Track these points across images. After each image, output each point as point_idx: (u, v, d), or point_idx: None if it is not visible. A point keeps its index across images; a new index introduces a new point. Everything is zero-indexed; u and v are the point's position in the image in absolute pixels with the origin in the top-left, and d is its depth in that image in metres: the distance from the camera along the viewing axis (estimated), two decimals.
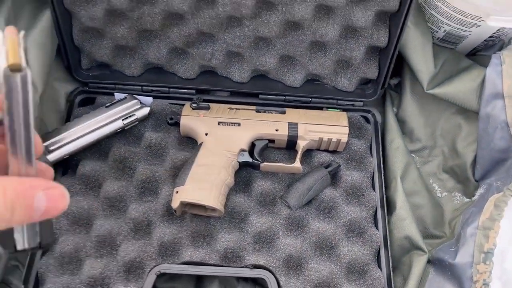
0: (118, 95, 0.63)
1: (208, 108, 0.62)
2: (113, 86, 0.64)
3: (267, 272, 0.55)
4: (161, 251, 0.56)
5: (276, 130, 0.61)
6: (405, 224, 0.58)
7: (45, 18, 0.56)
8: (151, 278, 0.54)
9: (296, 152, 0.61)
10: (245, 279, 0.59)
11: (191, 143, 0.63)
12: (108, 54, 0.62)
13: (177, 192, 0.55)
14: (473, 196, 0.62)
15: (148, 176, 0.60)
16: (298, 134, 0.61)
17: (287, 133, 0.61)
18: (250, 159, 0.59)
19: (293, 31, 0.60)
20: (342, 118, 0.62)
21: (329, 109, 0.64)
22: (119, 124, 0.60)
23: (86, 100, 0.64)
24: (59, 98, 0.62)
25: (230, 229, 0.58)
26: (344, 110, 0.64)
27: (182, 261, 0.55)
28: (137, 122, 0.62)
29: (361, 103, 0.65)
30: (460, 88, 0.61)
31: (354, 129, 0.64)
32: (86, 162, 0.60)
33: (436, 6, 0.60)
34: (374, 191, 0.61)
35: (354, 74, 0.63)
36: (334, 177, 0.61)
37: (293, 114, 0.62)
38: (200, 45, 0.62)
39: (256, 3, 0.57)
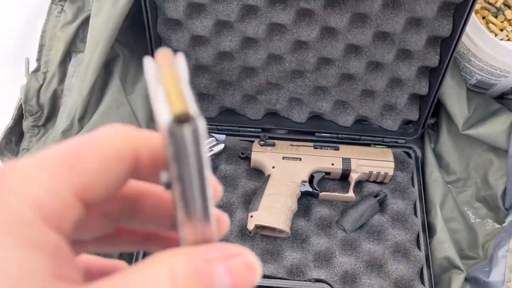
0: None
1: (273, 145, 0.74)
2: None
3: (327, 285, 0.66)
4: None
5: (332, 164, 0.72)
6: (445, 246, 0.67)
7: None
8: None
9: (349, 183, 0.72)
10: None
11: (258, 174, 0.74)
12: None
13: (251, 216, 0.67)
14: (504, 223, 0.71)
15: (224, 202, 0.71)
16: (351, 168, 0.71)
17: (341, 167, 0.71)
18: (310, 189, 0.70)
19: (347, 81, 0.71)
20: (388, 154, 0.73)
21: (376, 146, 0.75)
22: None
23: None
24: None
25: (294, 248, 0.69)
26: (389, 146, 0.75)
27: None
28: (214, 156, 0.74)
29: (404, 141, 0.76)
30: (491, 130, 0.71)
31: (398, 163, 0.74)
32: None
33: (469, 59, 0.71)
34: (416, 217, 0.71)
35: (398, 116, 0.74)
36: (382, 205, 0.71)
37: (346, 150, 0.73)
38: (268, 92, 0.74)
39: (318, 59, 0.69)
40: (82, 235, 0.21)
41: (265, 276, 0.66)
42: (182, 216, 0.17)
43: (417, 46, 0.65)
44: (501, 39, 0.69)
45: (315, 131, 0.76)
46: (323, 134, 0.76)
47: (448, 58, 0.65)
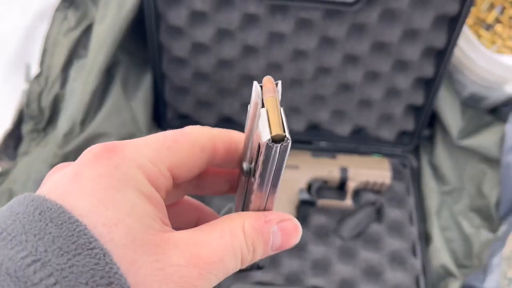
0: None
1: None
2: None
3: None
4: (234, 273, 0.67)
5: (330, 172, 0.73)
6: (441, 254, 0.68)
7: (147, 79, 0.70)
8: None
9: (346, 191, 0.73)
10: None
11: None
12: (190, 108, 0.75)
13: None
14: (497, 232, 0.72)
15: (227, 209, 0.71)
16: (348, 176, 0.72)
17: (339, 175, 0.72)
18: (308, 197, 0.71)
19: (344, 91, 0.73)
20: (384, 163, 0.74)
21: (373, 155, 0.76)
22: None
23: None
24: None
25: (292, 256, 0.69)
26: (385, 156, 0.76)
27: (253, 281, 0.66)
28: None
29: (400, 151, 0.77)
30: (484, 140, 0.72)
31: (394, 173, 0.75)
32: None
33: (462, 73, 0.73)
34: (412, 226, 0.72)
35: (394, 126, 0.76)
36: (378, 214, 0.72)
37: (343, 159, 0.74)
38: None
39: (316, 68, 0.70)
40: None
41: (263, 284, 0.66)
42: (256, 189, 0.24)
43: (412, 57, 0.67)
44: (493, 52, 0.71)
45: (313, 139, 0.77)
46: (320, 143, 0.77)
47: (442, 70, 0.67)
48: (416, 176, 0.76)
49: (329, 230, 0.71)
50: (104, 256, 0.19)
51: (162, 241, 0.21)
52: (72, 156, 0.61)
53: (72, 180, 0.21)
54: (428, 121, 0.75)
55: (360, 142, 0.76)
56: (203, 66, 0.70)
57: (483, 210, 0.74)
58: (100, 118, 0.63)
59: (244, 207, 0.27)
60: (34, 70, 0.72)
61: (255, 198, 0.25)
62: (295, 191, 0.70)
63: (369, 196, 0.73)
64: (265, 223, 0.24)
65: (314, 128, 0.77)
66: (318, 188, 0.73)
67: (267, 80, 0.23)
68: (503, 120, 0.74)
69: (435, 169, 0.77)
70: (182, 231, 0.23)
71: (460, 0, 0.62)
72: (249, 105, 0.25)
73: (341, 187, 0.73)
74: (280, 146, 0.21)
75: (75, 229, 0.19)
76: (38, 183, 0.62)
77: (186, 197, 0.30)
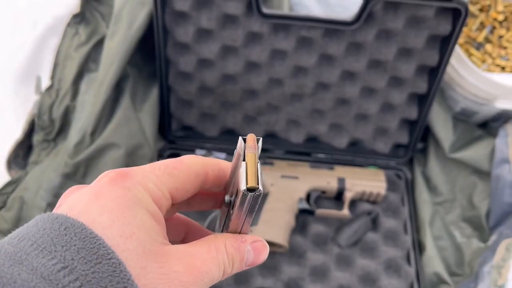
0: (198, 152, 0.79)
1: (272, 164, 0.77)
2: (195, 144, 0.80)
3: None
4: (236, 279, 0.69)
5: (328, 183, 0.76)
6: (434, 262, 0.71)
7: (154, 92, 0.73)
8: None
9: (344, 201, 0.76)
10: None
11: None
12: (194, 120, 0.78)
13: (251, 231, 0.70)
14: (488, 241, 0.75)
15: (213, 216, 0.74)
16: (346, 187, 0.75)
17: (336, 186, 0.75)
18: (307, 206, 0.74)
19: (342, 105, 0.76)
20: (380, 175, 0.77)
21: (369, 167, 0.79)
22: None
23: (172, 155, 0.80)
24: (153, 152, 0.78)
25: (291, 263, 0.72)
26: (380, 168, 0.79)
27: (254, 287, 0.69)
28: None
29: (394, 163, 0.80)
30: (475, 154, 0.76)
31: (389, 184, 0.79)
32: None
33: (454, 89, 0.77)
34: (407, 235, 0.75)
35: (389, 140, 0.79)
36: (374, 223, 0.75)
37: (340, 170, 0.77)
38: (267, 114, 0.78)
39: (315, 84, 0.74)
40: None
41: None
42: (234, 219, 0.29)
43: (407, 74, 0.71)
44: (483, 71, 0.75)
45: (311, 151, 0.80)
46: (319, 155, 0.80)
47: (435, 86, 0.71)
48: (410, 187, 0.79)
49: (327, 238, 0.74)
50: (119, 265, 0.23)
51: (164, 251, 0.25)
52: (82, 165, 0.64)
53: (93, 199, 0.25)
54: (422, 135, 0.78)
55: (357, 154, 0.80)
56: (207, 80, 0.73)
57: (474, 221, 0.78)
58: (110, 129, 0.65)
59: (224, 227, 0.33)
60: (44, 82, 0.75)
61: (233, 224, 0.30)
62: (294, 200, 0.73)
63: (365, 206, 0.76)
64: (242, 243, 0.29)
65: (312, 140, 0.81)
66: (316, 198, 0.76)
67: (250, 137, 0.28)
68: (493, 134, 0.78)
69: (428, 180, 0.80)
70: (177, 245, 0.27)
71: (452, 22, 0.65)
72: (235, 151, 0.29)
73: (339, 197, 0.76)
74: (253, 195, 0.26)
75: (95, 242, 0.23)
76: (49, 191, 0.64)
77: (177, 214, 0.35)
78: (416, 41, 0.68)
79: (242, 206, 0.27)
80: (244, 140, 0.28)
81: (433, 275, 0.71)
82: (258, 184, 0.26)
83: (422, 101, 0.74)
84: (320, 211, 0.74)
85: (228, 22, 0.68)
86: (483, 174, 0.77)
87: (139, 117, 0.70)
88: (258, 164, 0.27)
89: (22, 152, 0.72)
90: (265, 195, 0.74)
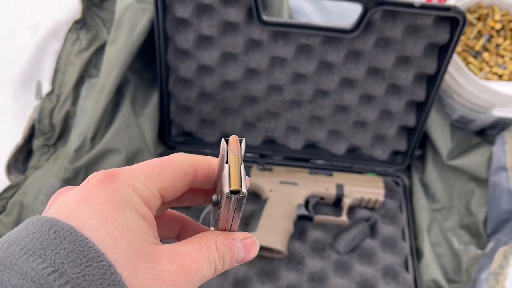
0: None
1: (271, 169, 0.78)
2: (194, 150, 0.80)
3: None
4: (235, 285, 0.70)
5: (326, 189, 0.76)
6: (431, 269, 0.71)
7: (154, 98, 0.73)
8: None
9: (342, 208, 0.76)
10: None
11: (255, 198, 0.78)
12: (193, 125, 0.79)
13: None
14: (485, 248, 0.76)
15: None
16: (344, 193, 0.76)
17: (335, 192, 0.76)
18: (306, 212, 0.74)
19: (341, 112, 0.77)
20: (378, 181, 0.77)
21: (367, 174, 0.80)
22: None
23: None
24: (153, 157, 0.78)
25: (290, 269, 0.72)
26: (379, 175, 0.80)
27: None
28: None
29: (392, 170, 0.81)
30: (473, 161, 0.76)
31: (387, 191, 0.79)
32: None
33: (452, 96, 0.77)
34: (405, 241, 0.75)
35: (387, 146, 0.80)
36: (372, 229, 0.75)
37: (339, 177, 0.78)
38: (267, 120, 0.78)
39: (314, 91, 0.74)
40: None
41: None
42: (221, 218, 0.29)
43: (405, 81, 0.72)
44: (480, 79, 0.76)
45: (310, 157, 0.80)
46: (317, 161, 0.81)
47: (433, 94, 0.71)
48: (408, 194, 0.80)
49: (325, 244, 0.74)
50: (110, 267, 0.23)
51: (155, 251, 0.26)
52: (82, 170, 0.64)
53: (81, 202, 0.25)
54: (420, 142, 0.79)
55: (355, 161, 0.80)
56: (207, 86, 0.74)
57: (471, 228, 0.78)
58: (110, 134, 0.66)
59: (215, 224, 0.33)
60: (45, 87, 0.75)
61: (221, 223, 0.30)
62: (293, 206, 0.74)
63: (363, 213, 0.76)
64: (232, 240, 0.29)
65: (311, 147, 0.81)
66: (315, 204, 0.76)
67: (233, 139, 0.28)
68: (491, 142, 0.79)
69: (426, 187, 0.81)
70: (168, 244, 0.27)
71: (450, 30, 0.66)
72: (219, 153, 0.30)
73: (337, 203, 0.77)
74: (237, 197, 0.27)
75: (85, 245, 0.23)
76: (49, 196, 0.64)
77: (169, 210, 0.35)
78: (414, 49, 0.69)
79: (228, 208, 0.28)
80: (227, 141, 0.28)
81: (431, 282, 0.71)
82: (241, 187, 0.26)
83: (420, 108, 0.75)
84: (318, 217, 0.75)
85: (228, 29, 0.69)
86: (481, 181, 0.77)
87: (139, 123, 0.70)
88: (241, 166, 0.27)
89: (22, 157, 0.73)
90: (264, 201, 0.74)
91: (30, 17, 0.84)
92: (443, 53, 0.69)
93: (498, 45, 0.79)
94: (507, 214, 0.73)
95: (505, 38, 0.79)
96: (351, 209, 0.77)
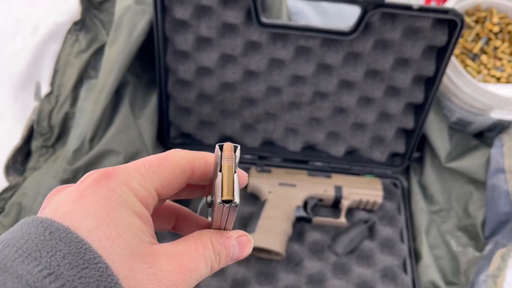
0: None
1: (270, 171, 0.78)
2: None
3: None
4: (233, 287, 0.69)
5: (325, 191, 0.76)
6: (430, 271, 0.72)
7: (153, 100, 0.73)
8: None
9: (340, 209, 0.76)
10: None
11: (253, 199, 0.78)
12: (192, 127, 0.79)
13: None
14: (483, 251, 0.76)
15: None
16: (342, 195, 0.76)
17: (333, 194, 0.76)
18: (304, 214, 0.74)
19: (339, 114, 0.77)
20: (377, 183, 0.78)
21: (366, 175, 0.80)
22: None
23: None
24: None
25: (288, 271, 0.72)
26: (377, 176, 0.80)
27: None
28: None
29: (391, 172, 0.81)
30: (471, 163, 0.77)
31: (386, 193, 0.79)
32: None
33: (450, 99, 0.77)
34: (403, 243, 0.75)
35: (386, 148, 0.80)
36: (371, 231, 0.76)
37: (337, 179, 0.78)
38: (265, 122, 0.79)
39: (313, 93, 0.74)
40: None
41: None
42: (216, 219, 0.29)
43: (404, 84, 0.72)
44: (478, 81, 0.76)
45: (309, 159, 0.81)
46: (316, 163, 0.81)
47: (431, 96, 0.72)
48: (407, 196, 0.80)
49: (323, 246, 0.74)
50: (106, 269, 0.23)
51: (152, 251, 0.25)
52: (81, 171, 0.64)
53: (76, 202, 0.25)
54: (418, 144, 0.79)
55: (354, 163, 0.80)
56: (206, 88, 0.74)
57: (469, 230, 0.78)
58: (109, 136, 0.66)
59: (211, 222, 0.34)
60: (44, 88, 0.75)
61: (215, 223, 0.30)
62: (292, 208, 0.74)
63: (362, 214, 0.77)
64: (227, 238, 0.30)
65: (310, 149, 0.81)
66: (313, 205, 0.76)
67: (227, 146, 0.27)
68: (489, 144, 0.79)
69: (424, 189, 0.81)
70: (165, 244, 0.27)
71: (448, 33, 0.66)
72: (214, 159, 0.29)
73: (336, 205, 0.77)
74: (230, 206, 0.27)
75: (81, 246, 0.23)
76: None
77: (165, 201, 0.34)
78: (412, 51, 0.69)
79: (220, 214, 0.28)
80: (221, 148, 0.27)
81: (429, 283, 0.71)
82: (233, 196, 0.26)
83: (419, 110, 0.75)
84: (317, 219, 0.75)
85: (227, 31, 0.69)
86: (479, 183, 0.78)
87: (138, 124, 0.70)
88: (235, 175, 0.27)
89: (21, 158, 0.73)
90: (263, 203, 0.74)
91: (30, 18, 0.85)
92: (441, 55, 0.69)
93: (496, 48, 0.79)
94: (505, 216, 0.73)
95: (503, 41, 0.79)
96: (350, 211, 0.78)
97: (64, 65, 0.71)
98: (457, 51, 0.79)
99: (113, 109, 0.69)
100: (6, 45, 0.83)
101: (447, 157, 0.78)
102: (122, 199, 0.25)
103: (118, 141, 0.66)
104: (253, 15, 0.66)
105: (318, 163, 0.81)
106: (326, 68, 0.71)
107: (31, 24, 0.83)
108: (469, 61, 0.78)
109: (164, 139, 0.79)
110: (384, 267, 0.72)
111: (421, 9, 0.64)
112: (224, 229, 0.31)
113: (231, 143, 0.27)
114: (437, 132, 0.78)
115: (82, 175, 0.27)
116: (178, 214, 0.34)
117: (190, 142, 0.80)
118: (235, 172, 0.27)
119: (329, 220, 0.75)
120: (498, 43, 0.79)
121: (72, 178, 0.64)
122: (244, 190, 0.78)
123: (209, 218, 0.35)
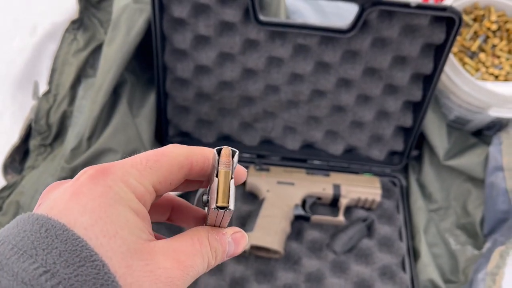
0: None
1: (268, 170, 0.78)
2: None
3: None
4: (232, 285, 0.69)
5: (323, 189, 0.76)
6: (429, 269, 0.71)
7: (151, 98, 0.73)
8: None
9: (339, 207, 0.76)
10: None
11: (252, 198, 0.78)
12: (191, 126, 0.79)
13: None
14: (482, 249, 0.76)
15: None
16: (341, 194, 0.76)
17: (332, 192, 0.76)
18: (302, 212, 0.74)
19: (338, 112, 0.77)
20: (375, 182, 0.77)
21: (364, 174, 0.80)
22: None
23: None
24: None
25: (286, 269, 0.72)
26: (376, 175, 0.80)
27: None
28: None
29: (389, 170, 0.81)
30: (469, 161, 0.76)
31: (384, 191, 0.79)
32: None
33: (448, 97, 0.77)
34: (402, 242, 0.75)
35: (384, 147, 0.80)
36: (369, 229, 0.75)
37: (336, 177, 0.78)
38: (264, 121, 0.79)
39: (311, 91, 0.74)
40: None
41: None
42: (211, 218, 0.29)
43: (402, 82, 0.72)
44: (476, 79, 0.76)
45: (307, 158, 0.80)
46: (314, 162, 0.81)
47: (429, 94, 0.72)
48: (405, 194, 0.80)
49: (322, 244, 0.74)
50: (103, 267, 0.23)
51: (149, 248, 0.25)
52: (79, 170, 0.64)
53: (72, 198, 0.24)
54: (416, 142, 0.79)
55: (352, 161, 0.80)
56: (205, 86, 0.74)
57: (468, 228, 0.78)
58: (107, 134, 0.66)
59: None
60: (42, 87, 0.75)
61: (210, 221, 0.30)
62: (290, 206, 0.74)
63: (360, 213, 0.76)
64: (223, 235, 0.30)
65: (308, 147, 0.81)
66: (312, 204, 0.76)
67: (225, 151, 0.27)
68: (487, 142, 0.79)
69: (423, 187, 0.81)
70: (162, 240, 0.27)
71: (446, 31, 0.66)
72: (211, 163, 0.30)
73: (334, 203, 0.77)
74: (224, 212, 0.27)
75: (78, 244, 0.22)
76: None
77: None
78: (410, 49, 0.69)
79: (215, 217, 0.28)
80: (219, 152, 0.27)
81: (428, 282, 0.71)
82: (228, 203, 0.26)
83: (417, 108, 0.75)
84: (315, 218, 0.75)
85: (225, 29, 0.69)
86: (477, 181, 0.78)
87: (136, 123, 0.70)
88: (231, 181, 0.27)
89: (19, 157, 0.73)
90: (261, 201, 0.74)
91: (28, 18, 0.85)
92: (439, 53, 0.69)
93: (494, 46, 0.79)
94: (503, 214, 0.73)
95: (501, 39, 0.79)
96: (348, 209, 0.78)
97: (62, 64, 0.71)
98: (455, 49, 0.79)
99: (111, 107, 0.69)
100: (4, 45, 0.83)
101: (446, 155, 0.78)
102: (119, 196, 0.25)
103: (116, 140, 0.66)
104: (251, 13, 0.66)
105: (317, 162, 0.81)
106: (324, 66, 0.71)
107: (29, 24, 0.83)
108: (467, 59, 0.78)
109: (162, 138, 0.79)
110: (382, 266, 0.72)
111: (419, 7, 0.64)
112: (220, 227, 0.31)
113: (229, 148, 0.27)
114: (435, 130, 0.78)
115: None
116: (173, 205, 0.34)
117: (188, 140, 0.80)
118: (231, 178, 0.27)
119: (327, 218, 0.75)
120: (496, 41, 0.79)
121: (70, 176, 0.63)
122: (242, 189, 0.78)
123: (206, 209, 0.35)
